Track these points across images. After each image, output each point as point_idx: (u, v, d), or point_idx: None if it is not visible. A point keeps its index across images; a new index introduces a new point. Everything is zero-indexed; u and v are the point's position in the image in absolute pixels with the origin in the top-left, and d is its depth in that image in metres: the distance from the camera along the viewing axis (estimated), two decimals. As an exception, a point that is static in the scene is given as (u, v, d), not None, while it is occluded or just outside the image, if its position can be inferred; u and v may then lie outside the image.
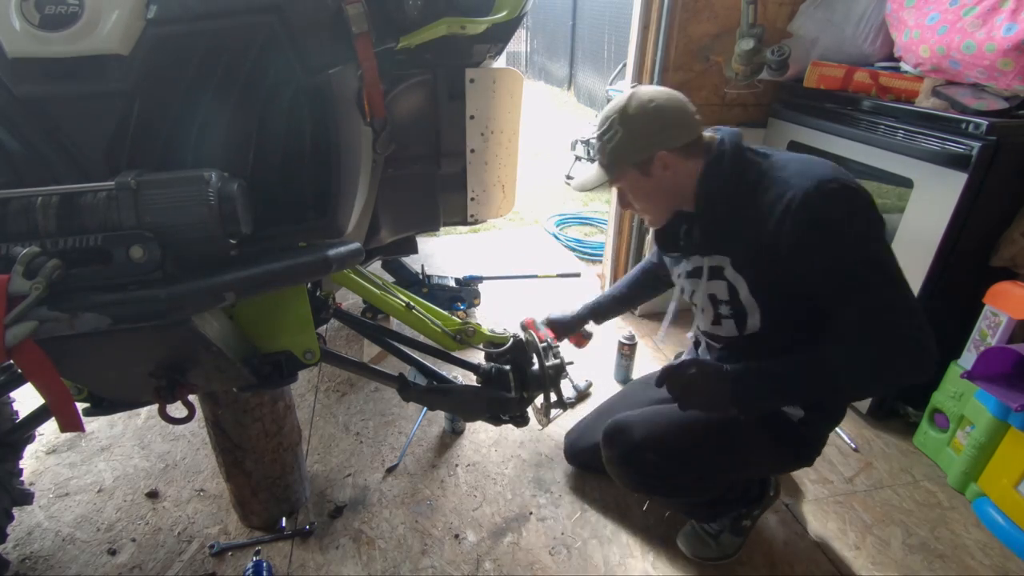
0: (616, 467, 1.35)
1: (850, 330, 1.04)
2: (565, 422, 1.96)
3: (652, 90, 1.16)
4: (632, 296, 1.70)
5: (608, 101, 6.07)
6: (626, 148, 1.15)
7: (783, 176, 1.08)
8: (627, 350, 2.14)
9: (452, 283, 2.56)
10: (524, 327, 1.58)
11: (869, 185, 2.13)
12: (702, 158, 1.16)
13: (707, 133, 1.19)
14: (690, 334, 1.50)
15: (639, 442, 1.29)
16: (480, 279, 2.62)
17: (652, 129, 1.13)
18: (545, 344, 1.53)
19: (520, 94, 1.51)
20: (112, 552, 1.49)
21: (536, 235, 3.68)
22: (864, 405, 1.98)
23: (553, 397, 1.49)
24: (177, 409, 1.06)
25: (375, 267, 2.47)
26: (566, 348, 1.67)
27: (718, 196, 1.14)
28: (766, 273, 1.13)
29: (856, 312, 1.03)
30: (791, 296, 1.12)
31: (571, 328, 1.69)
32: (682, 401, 1.17)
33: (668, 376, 1.17)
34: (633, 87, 1.19)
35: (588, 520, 1.60)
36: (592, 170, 1.26)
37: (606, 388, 2.15)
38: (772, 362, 1.11)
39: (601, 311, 1.69)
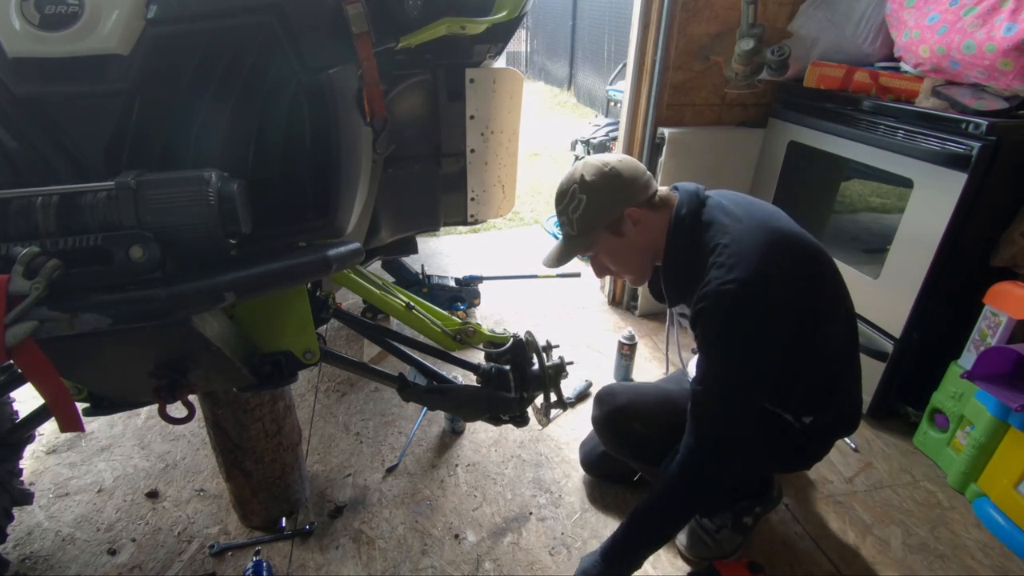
0: (600, 426, 1.50)
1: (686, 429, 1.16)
2: (565, 422, 1.97)
3: (603, 155, 1.22)
4: None
5: (608, 101, 5.99)
6: (594, 212, 1.18)
7: (721, 253, 1.10)
8: (627, 350, 2.14)
9: (452, 283, 2.56)
10: None
11: (869, 185, 2.15)
12: (668, 210, 1.20)
13: (662, 189, 1.24)
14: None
15: (623, 405, 1.43)
16: (480, 279, 2.62)
17: (614, 189, 1.17)
18: (545, 343, 1.53)
19: (520, 94, 1.51)
20: (112, 552, 1.49)
21: (536, 235, 3.68)
22: (864, 405, 1.97)
23: (553, 397, 1.49)
24: (177, 409, 1.06)
25: (375, 267, 2.47)
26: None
27: (680, 252, 1.19)
28: None
29: (693, 402, 1.15)
30: None
31: None
32: None
33: None
34: (578, 158, 1.28)
35: (588, 520, 1.60)
36: (559, 246, 1.27)
37: (606, 388, 2.14)
38: (621, 527, 1.23)
39: None
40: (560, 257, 1.26)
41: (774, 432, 1.27)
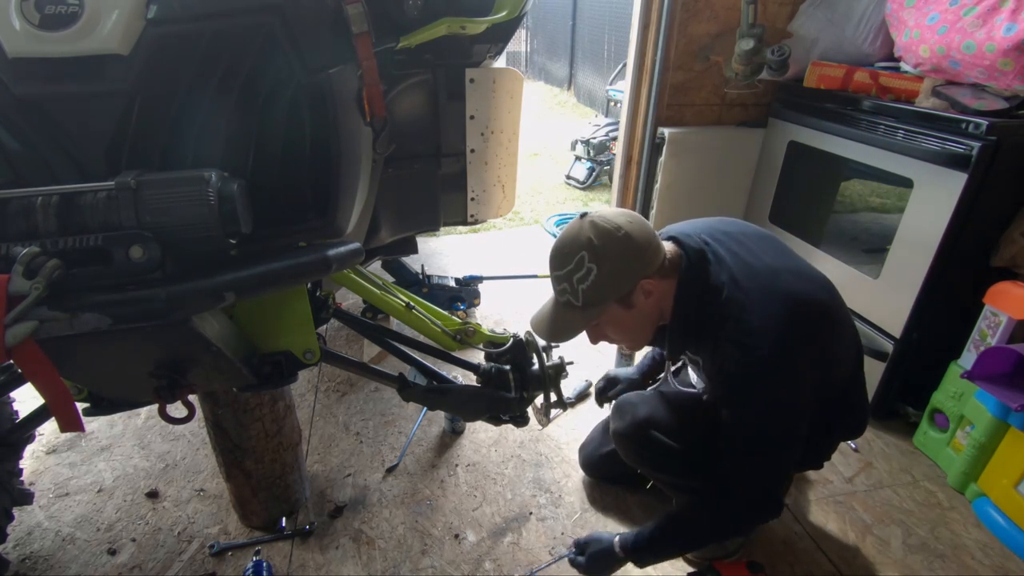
0: (623, 440, 1.42)
1: (716, 479, 1.15)
2: (565, 422, 1.97)
3: (611, 214, 1.07)
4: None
5: (608, 101, 5.95)
6: (606, 285, 1.06)
7: (737, 329, 1.05)
8: (627, 349, 2.14)
9: (452, 283, 2.56)
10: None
11: (869, 185, 2.15)
12: (675, 276, 1.12)
13: (667, 246, 1.14)
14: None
15: (646, 418, 1.37)
16: (480, 279, 2.62)
17: (629, 259, 1.05)
18: (545, 344, 1.53)
19: (520, 94, 1.51)
20: (112, 552, 1.49)
21: (536, 235, 3.68)
22: (864, 405, 1.98)
23: (553, 397, 1.49)
24: (177, 409, 1.06)
25: (375, 267, 2.47)
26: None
27: (690, 319, 1.12)
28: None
29: (727, 466, 1.13)
30: None
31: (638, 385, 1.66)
32: None
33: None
34: (583, 216, 1.09)
35: (588, 520, 1.60)
36: (559, 316, 1.13)
37: (606, 388, 2.14)
38: (651, 528, 1.22)
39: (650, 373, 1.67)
40: (563, 331, 1.14)
41: None
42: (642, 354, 1.71)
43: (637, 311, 1.10)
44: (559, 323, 1.14)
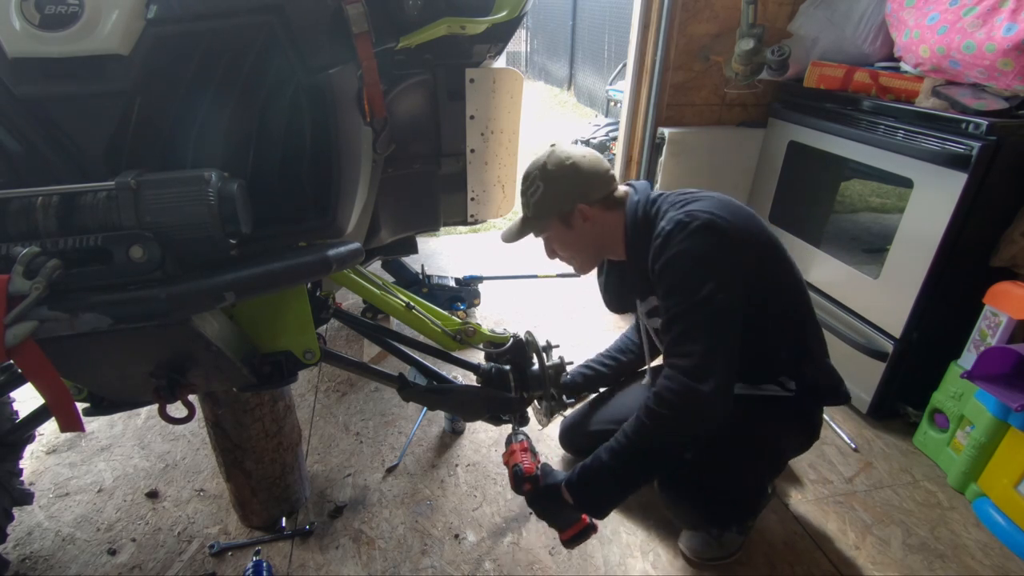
0: (677, 507, 1.36)
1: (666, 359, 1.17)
2: (565, 422, 1.96)
3: (569, 148, 1.29)
4: (616, 367, 1.70)
5: (608, 101, 6.03)
6: (548, 201, 1.27)
7: (666, 213, 1.20)
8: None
9: (452, 283, 2.56)
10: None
11: (869, 185, 2.15)
12: (622, 211, 1.28)
13: (622, 187, 1.33)
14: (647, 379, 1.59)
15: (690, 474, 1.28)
16: (480, 279, 2.62)
17: (570, 183, 1.26)
18: (545, 343, 1.53)
19: (520, 94, 1.51)
20: (112, 552, 1.49)
21: (536, 235, 3.68)
22: (864, 405, 1.98)
23: (553, 397, 1.49)
24: (177, 409, 1.06)
25: (375, 267, 2.47)
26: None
27: (640, 244, 1.24)
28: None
29: (666, 340, 1.16)
30: None
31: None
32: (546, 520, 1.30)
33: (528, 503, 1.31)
34: (552, 145, 1.30)
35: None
36: (516, 222, 1.37)
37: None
38: (597, 456, 1.20)
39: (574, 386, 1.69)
40: (515, 234, 1.37)
41: (772, 407, 1.30)
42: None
43: (576, 232, 1.30)
44: (514, 228, 1.37)
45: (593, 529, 1.26)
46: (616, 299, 1.54)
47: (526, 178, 1.31)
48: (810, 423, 1.36)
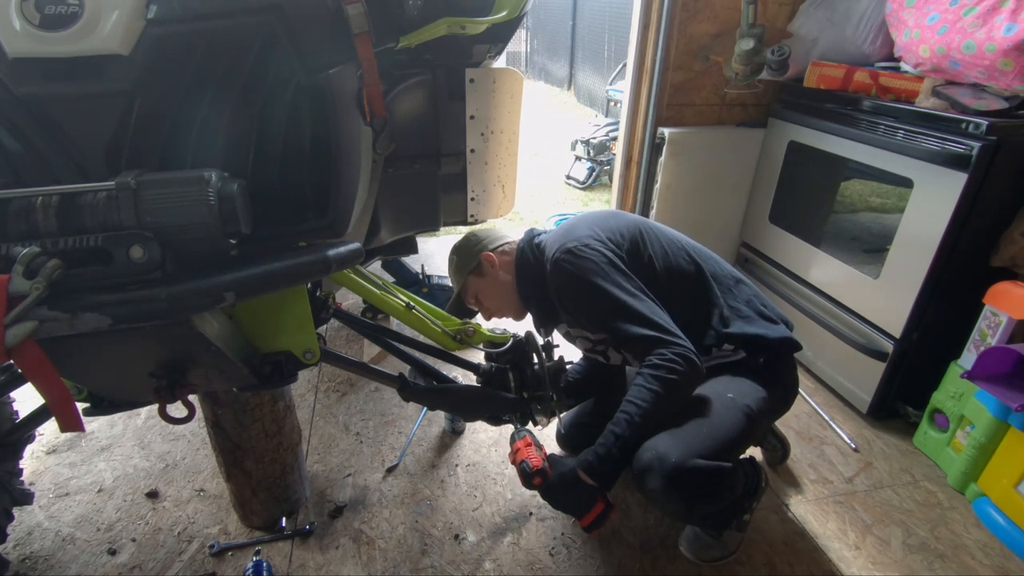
0: (662, 495, 1.20)
1: (643, 363, 1.25)
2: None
3: (470, 232, 1.55)
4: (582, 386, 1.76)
5: (608, 101, 6.06)
6: (462, 263, 1.50)
7: (549, 247, 1.37)
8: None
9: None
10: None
11: (869, 185, 2.15)
12: (513, 256, 1.48)
13: (510, 239, 1.54)
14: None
15: (678, 463, 1.18)
16: (480, 279, 2.62)
17: (471, 244, 1.50)
18: (545, 343, 1.53)
19: (520, 94, 1.52)
20: (112, 552, 1.49)
21: (536, 235, 3.67)
22: (864, 405, 1.98)
23: (553, 397, 1.49)
24: (177, 409, 1.06)
25: (375, 267, 2.47)
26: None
27: (529, 274, 1.43)
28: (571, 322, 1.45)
29: (626, 346, 1.33)
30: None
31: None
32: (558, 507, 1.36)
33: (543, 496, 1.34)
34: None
35: (588, 520, 1.60)
36: (452, 297, 1.58)
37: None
38: (612, 432, 1.23)
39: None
40: (453, 305, 1.57)
41: (732, 368, 1.37)
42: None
43: (490, 278, 1.48)
44: (452, 302, 1.58)
45: (611, 510, 1.29)
46: (543, 326, 1.59)
47: (448, 261, 1.55)
48: (775, 376, 1.38)
